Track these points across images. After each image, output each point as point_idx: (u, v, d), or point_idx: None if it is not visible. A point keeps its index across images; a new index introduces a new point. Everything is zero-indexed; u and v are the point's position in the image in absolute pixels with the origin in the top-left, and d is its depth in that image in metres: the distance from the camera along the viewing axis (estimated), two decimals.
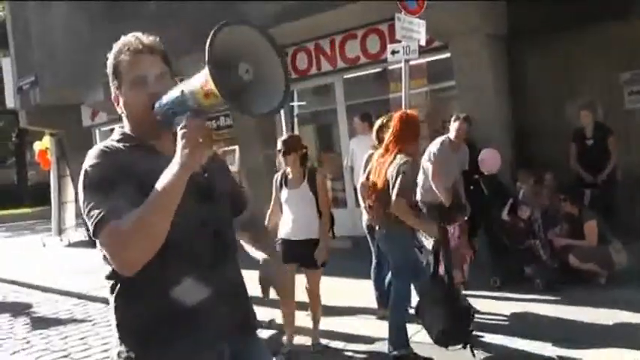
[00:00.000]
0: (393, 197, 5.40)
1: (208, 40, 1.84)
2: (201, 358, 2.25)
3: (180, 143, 1.95)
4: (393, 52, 7.49)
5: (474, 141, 8.08)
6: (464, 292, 6.67)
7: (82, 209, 2.08)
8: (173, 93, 2.05)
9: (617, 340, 5.59)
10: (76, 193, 17.66)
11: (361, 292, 7.55)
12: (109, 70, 2.32)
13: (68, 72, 15.57)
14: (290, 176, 6.24)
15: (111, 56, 2.31)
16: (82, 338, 7.80)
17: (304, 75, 12.26)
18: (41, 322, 8.78)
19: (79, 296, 10.16)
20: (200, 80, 1.89)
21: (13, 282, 12.21)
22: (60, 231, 17.98)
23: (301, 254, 6.03)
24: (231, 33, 1.89)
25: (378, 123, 6.83)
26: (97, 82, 14.47)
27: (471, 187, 7.82)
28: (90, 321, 8.65)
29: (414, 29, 7.38)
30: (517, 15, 9.49)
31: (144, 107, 2.21)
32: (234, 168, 14.81)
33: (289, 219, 6.21)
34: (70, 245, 17.15)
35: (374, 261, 6.97)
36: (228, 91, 1.84)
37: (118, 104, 2.35)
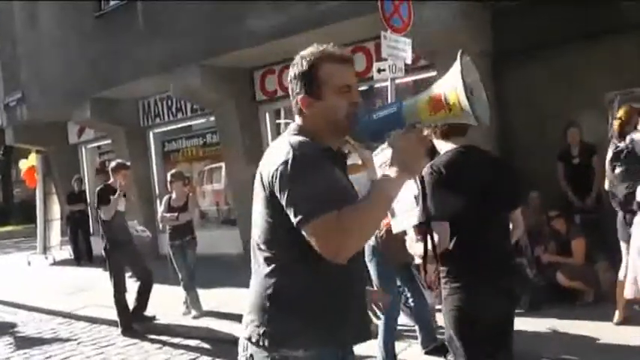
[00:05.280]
0: None
1: (460, 65, 2.19)
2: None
3: (400, 153, 2.26)
4: (379, 70, 7.51)
5: None
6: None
7: (288, 194, 2.25)
8: (386, 108, 2.36)
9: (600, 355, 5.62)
10: (62, 211, 17.62)
11: None
12: (304, 72, 2.46)
13: (55, 89, 15.54)
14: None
15: (306, 60, 2.46)
16: (65, 358, 7.74)
17: None
18: (25, 342, 8.69)
19: (65, 315, 10.07)
20: (428, 98, 2.25)
21: None
22: (45, 249, 17.83)
23: None
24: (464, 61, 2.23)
25: None
26: (83, 99, 14.47)
27: None
28: (74, 340, 8.58)
29: (399, 47, 7.42)
30: (503, 32, 9.55)
31: (343, 114, 2.42)
32: (220, 185, 14.81)
33: None
34: (55, 264, 17.02)
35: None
36: (472, 107, 2.15)
37: (305, 105, 2.47)
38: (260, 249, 2.46)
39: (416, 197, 3.96)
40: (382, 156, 4.18)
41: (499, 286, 3.61)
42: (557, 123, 8.99)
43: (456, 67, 2.19)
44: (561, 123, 8.94)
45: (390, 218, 4.43)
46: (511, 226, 3.95)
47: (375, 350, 5.78)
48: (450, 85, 2.17)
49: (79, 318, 9.73)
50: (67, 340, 8.63)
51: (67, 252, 17.37)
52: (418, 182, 4.06)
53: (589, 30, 8.61)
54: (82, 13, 14.53)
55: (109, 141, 16.89)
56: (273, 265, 2.41)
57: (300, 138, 2.39)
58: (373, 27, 8.04)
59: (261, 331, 2.40)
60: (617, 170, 6.25)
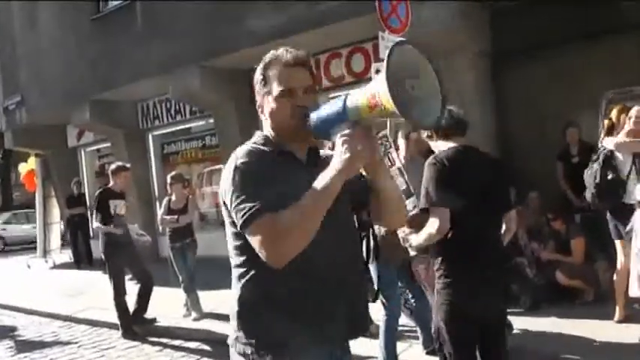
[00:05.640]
0: None
1: (385, 61, 2.03)
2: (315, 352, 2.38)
3: (340, 149, 2.16)
4: (378, 71, 7.50)
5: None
6: None
7: (231, 202, 2.28)
8: (333, 106, 2.28)
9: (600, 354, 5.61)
10: (62, 214, 17.60)
11: None
12: (258, 78, 2.48)
13: (54, 92, 15.53)
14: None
15: (260, 66, 2.49)
16: None
17: None
18: (25, 346, 8.67)
19: (65, 318, 10.06)
20: (366, 95, 2.13)
21: None
22: (45, 252, 17.81)
23: None
24: (399, 53, 2.09)
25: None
26: (83, 101, 14.46)
27: None
28: (75, 343, 8.56)
29: None
30: (502, 32, 9.55)
31: (288, 117, 2.39)
32: (219, 187, 14.79)
33: None
34: (54, 267, 16.99)
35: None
36: (400, 104, 2.01)
37: (261, 111, 2.50)
38: (231, 257, 2.48)
39: (403, 191, 3.99)
40: None
41: (493, 283, 3.64)
42: (557, 123, 8.98)
43: (383, 67, 2.05)
44: (561, 123, 8.93)
45: None
46: (504, 226, 3.99)
47: (376, 351, 5.76)
48: (381, 84, 2.04)
49: (79, 321, 9.71)
50: (68, 343, 8.62)
51: (66, 255, 17.35)
52: (406, 176, 4.10)
53: (589, 30, 8.61)
54: (81, 14, 14.52)
55: (108, 144, 16.87)
56: (239, 272, 2.42)
57: (249, 146, 2.43)
58: (372, 27, 8.03)
59: (234, 337, 2.42)
60: (589, 172, 6.31)
